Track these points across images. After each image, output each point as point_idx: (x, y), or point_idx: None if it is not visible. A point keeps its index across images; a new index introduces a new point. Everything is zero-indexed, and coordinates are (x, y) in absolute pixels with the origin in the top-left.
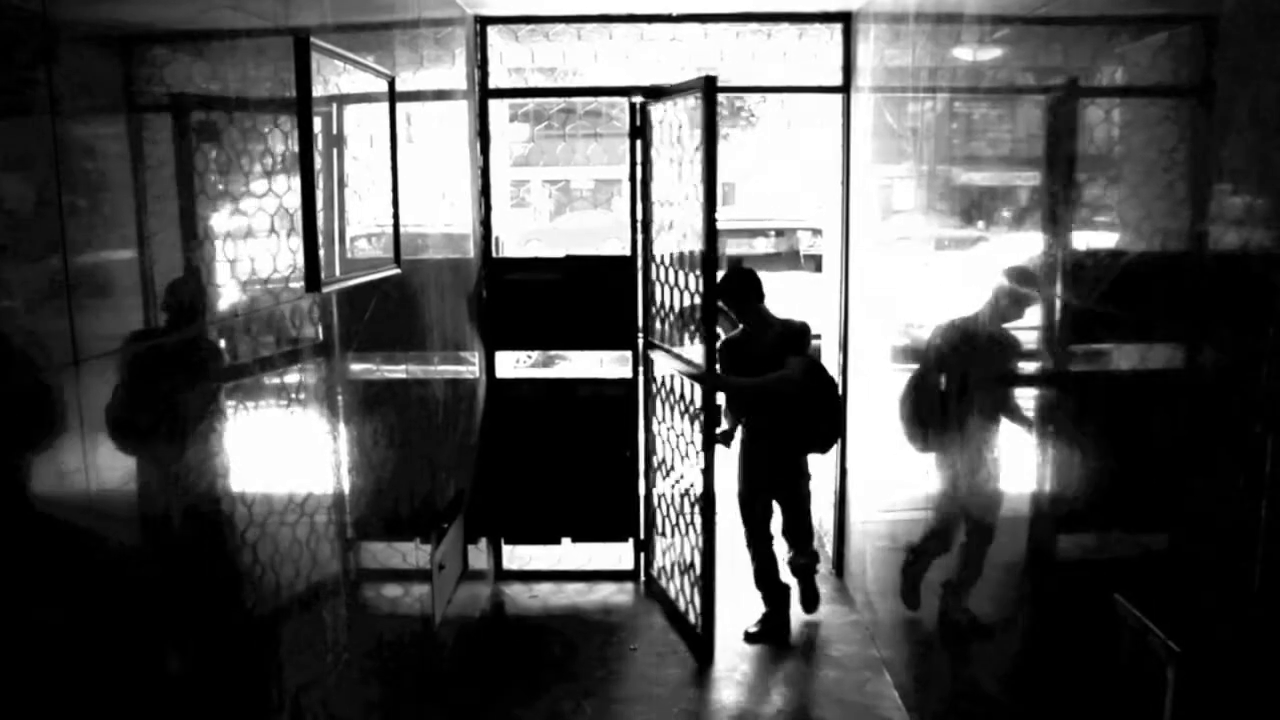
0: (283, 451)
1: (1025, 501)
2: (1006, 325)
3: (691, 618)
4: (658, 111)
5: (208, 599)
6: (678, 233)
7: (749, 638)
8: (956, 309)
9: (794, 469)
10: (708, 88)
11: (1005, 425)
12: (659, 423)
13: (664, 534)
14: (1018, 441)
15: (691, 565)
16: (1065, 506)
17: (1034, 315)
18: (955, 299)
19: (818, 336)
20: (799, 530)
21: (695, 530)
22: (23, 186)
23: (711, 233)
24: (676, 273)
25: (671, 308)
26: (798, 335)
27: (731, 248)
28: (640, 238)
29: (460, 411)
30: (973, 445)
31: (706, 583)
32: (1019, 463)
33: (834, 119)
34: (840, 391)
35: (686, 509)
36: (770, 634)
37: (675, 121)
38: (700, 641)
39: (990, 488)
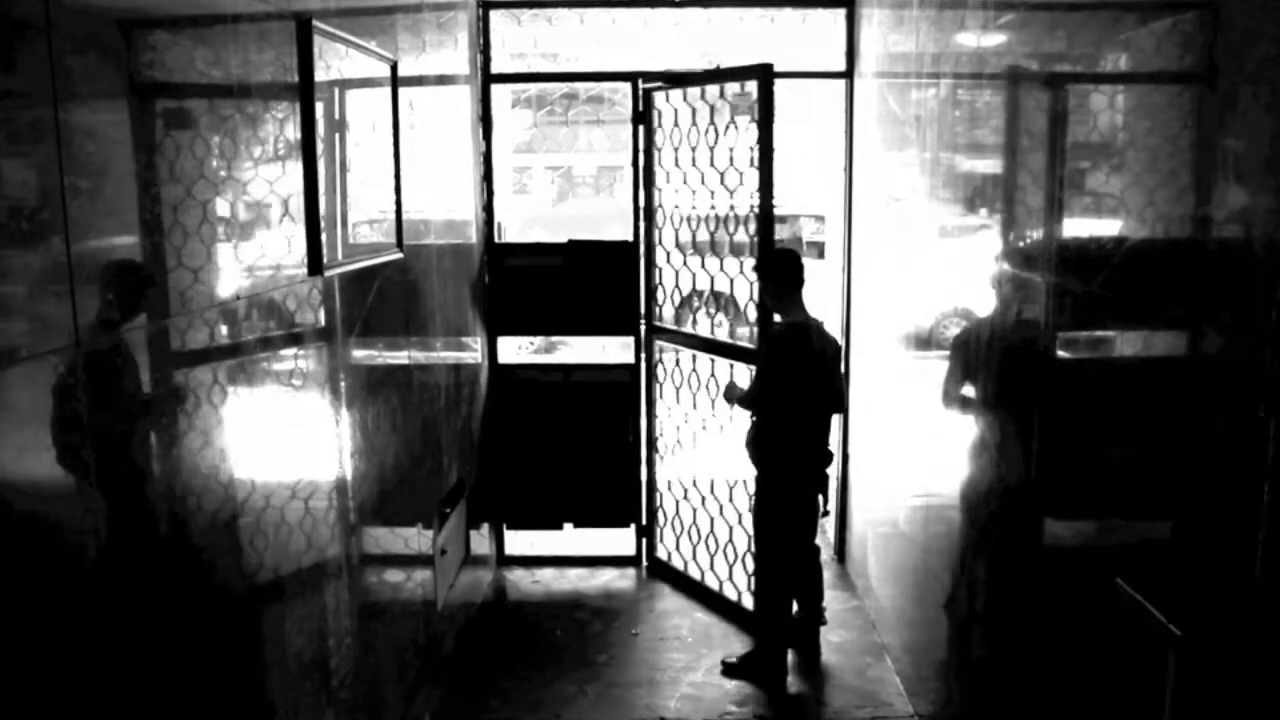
0: (285, 436)
1: (1027, 486)
2: (1012, 313)
3: (733, 595)
4: (675, 96)
5: (207, 585)
6: (711, 215)
7: (727, 669)
8: (967, 300)
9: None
10: (764, 75)
11: (1009, 411)
12: (665, 406)
13: (666, 519)
14: (1019, 426)
15: (731, 542)
16: (1066, 490)
17: (1033, 301)
18: (958, 285)
19: (821, 323)
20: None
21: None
22: (24, 171)
23: (768, 217)
24: (707, 258)
25: (699, 292)
26: (765, 343)
27: (736, 235)
28: (643, 223)
29: (462, 397)
30: (981, 428)
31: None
32: (1021, 446)
33: (837, 106)
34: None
35: (714, 488)
36: (755, 673)
37: (709, 106)
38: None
39: (990, 472)
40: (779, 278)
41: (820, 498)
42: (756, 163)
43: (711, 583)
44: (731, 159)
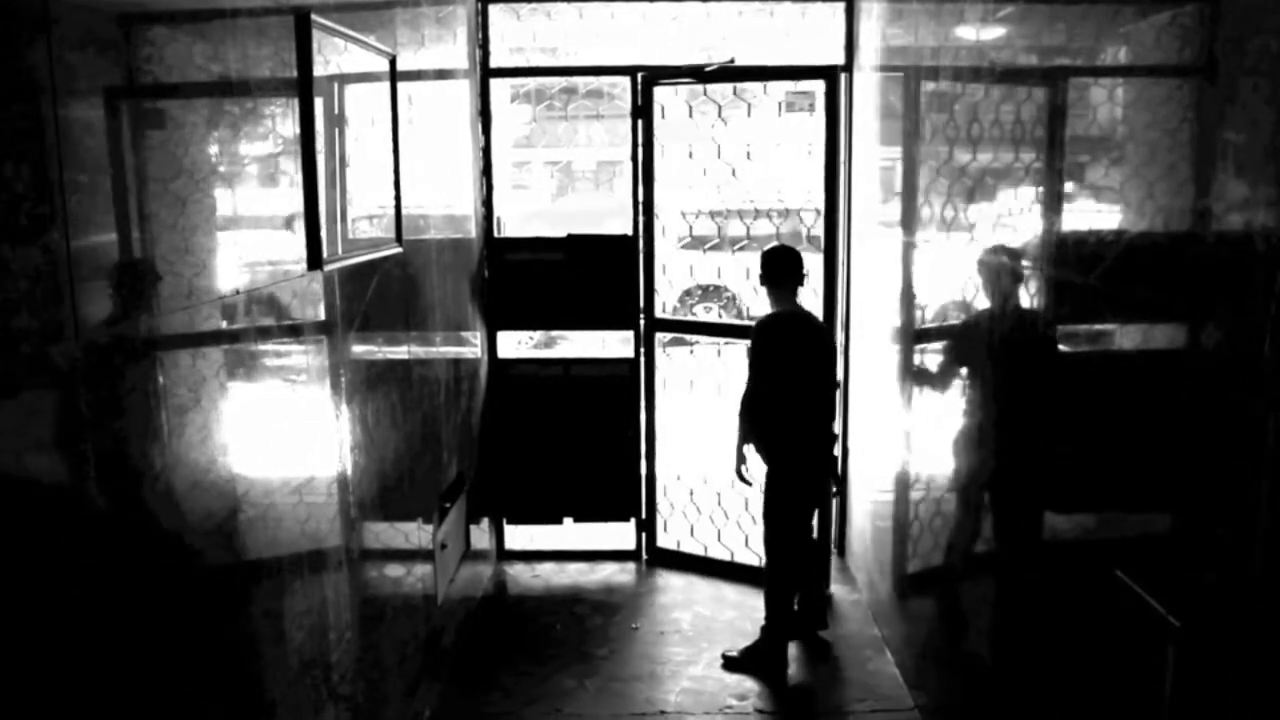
0: (285, 431)
1: (1026, 477)
2: (1008, 305)
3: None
4: (687, 90)
5: (208, 580)
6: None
7: (728, 663)
8: (965, 293)
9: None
10: (831, 75)
11: (1009, 405)
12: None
13: (673, 509)
14: (1017, 417)
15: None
16: (1067, 483)
17: (1031, 294)
18: (957, 279)
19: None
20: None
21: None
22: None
23: (834, 212)
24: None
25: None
26: (752, 333)
27: (734, 229)
28: (642, 217)
29: (462, 391)
30: (974, 417)
31: None
32: (1017, 438)
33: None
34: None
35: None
36: (756, 666)
37: (747, 103)
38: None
39: (988, 461)
40: (776, 272)
41: (830, 481)
42: (823, 161)
43: (719, 553)
44: (778, 151)
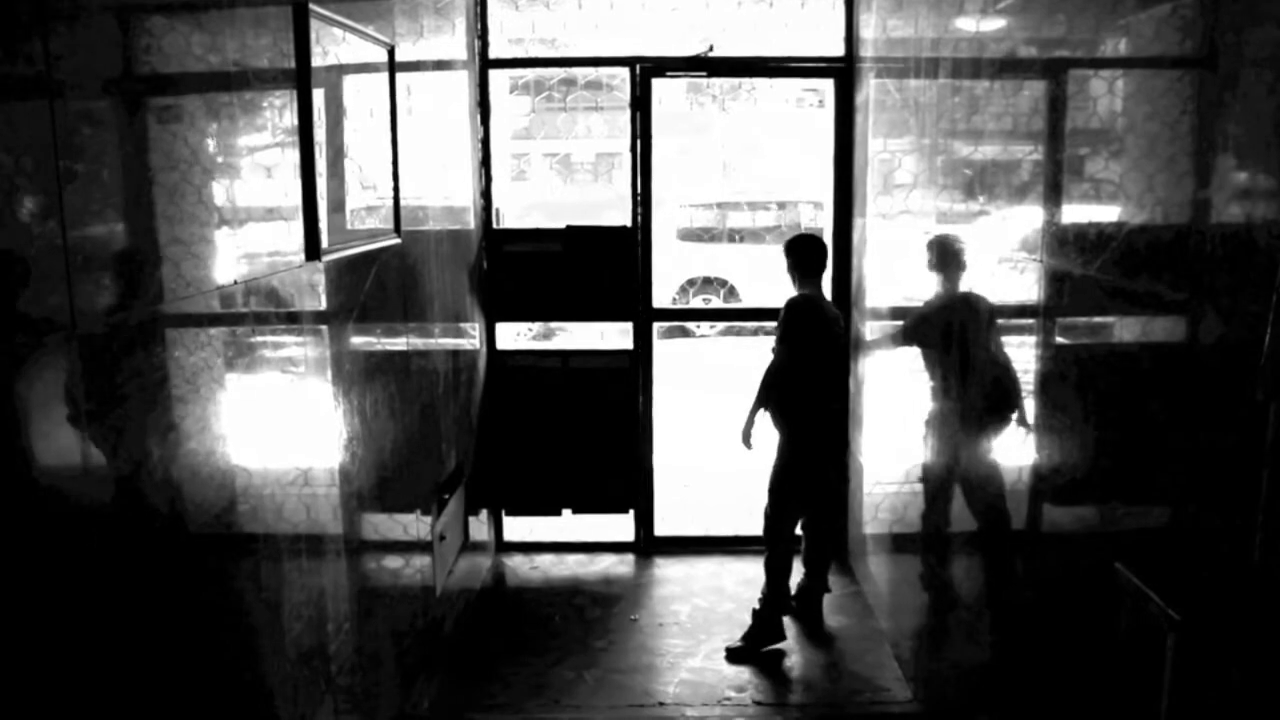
0: (283, 422)
1: (1026, 472)
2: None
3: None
4: (692, 83)
5: (206, 572)
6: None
7: (731, 655)
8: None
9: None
10: (842, 72)
11: (1005, 398)
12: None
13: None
14: (1016, 410)
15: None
16: (1065, 476)
17: (1031, 286)
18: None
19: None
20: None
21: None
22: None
23: (845, 201)
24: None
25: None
26: (783, 312)
27: (733, 220)
28: (641, 208)
29: (460, 383)
30: (972, 415)
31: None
32: (1014, 432)
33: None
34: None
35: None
36: (758, 655)
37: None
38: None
39: (988, 458)
40: (802, 258)
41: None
42: (833, 155)
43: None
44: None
